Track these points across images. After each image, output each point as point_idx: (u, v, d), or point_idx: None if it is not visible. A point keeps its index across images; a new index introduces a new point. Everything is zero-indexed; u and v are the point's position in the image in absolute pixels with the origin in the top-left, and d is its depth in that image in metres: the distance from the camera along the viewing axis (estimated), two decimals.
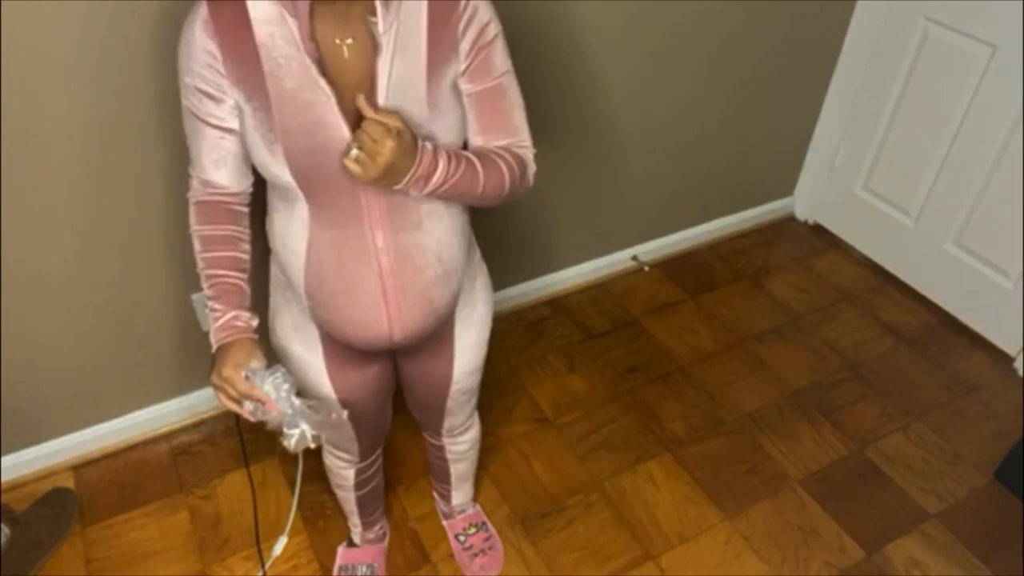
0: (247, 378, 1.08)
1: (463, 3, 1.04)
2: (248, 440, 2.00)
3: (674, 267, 2.62)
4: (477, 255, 1.34)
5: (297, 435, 1.08)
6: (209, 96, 1.03)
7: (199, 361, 1.98)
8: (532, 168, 1.21)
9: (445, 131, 1.08)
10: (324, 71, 1.00)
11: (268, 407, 1.07)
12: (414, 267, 1.14)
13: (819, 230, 2.80)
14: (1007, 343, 2.31)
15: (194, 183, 1.14)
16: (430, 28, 1.03)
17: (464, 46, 1.06)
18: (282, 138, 1.02)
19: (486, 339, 1.39)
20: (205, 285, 1.14)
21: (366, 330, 1.17)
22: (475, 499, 1.85)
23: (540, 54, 1.92)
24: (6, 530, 1.69)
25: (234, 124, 1.06)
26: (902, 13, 2.28)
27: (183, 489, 1.90)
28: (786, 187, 2.81)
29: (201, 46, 0.99)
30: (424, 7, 1.03)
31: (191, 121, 1.07)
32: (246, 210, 1.17)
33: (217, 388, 1.09)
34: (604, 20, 1.96)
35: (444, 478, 1.71)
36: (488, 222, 2.14)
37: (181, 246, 1.76)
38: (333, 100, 1.00)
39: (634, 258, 2.58)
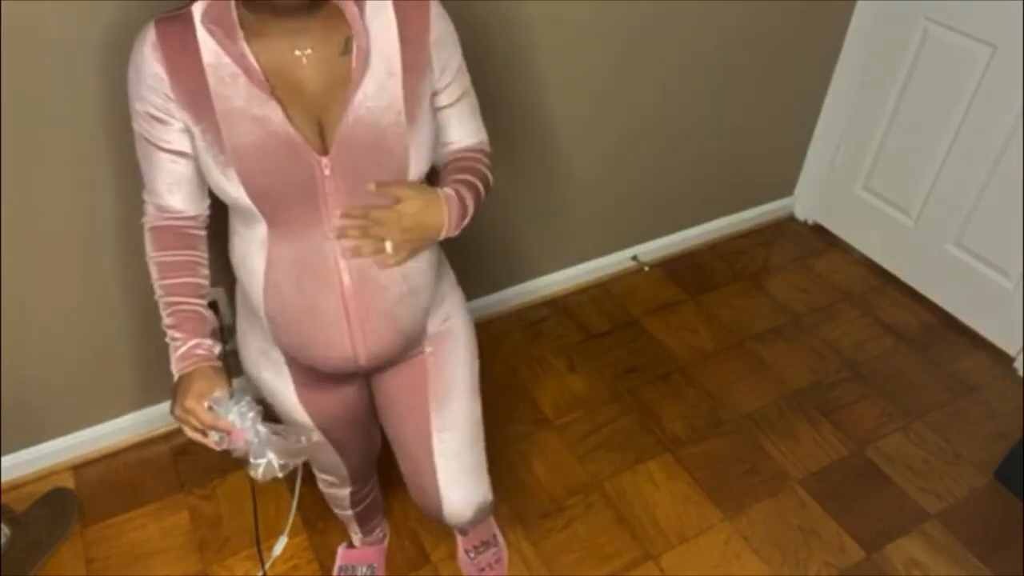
0: (211, 408, 1.05)
1: (431, 20, 1.05)
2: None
3: (674, 267, 2.62)
4: (451, 276, 1.31)
5: (264, 465, 1.05)
6: (159, 120, 1.01)
7: None
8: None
9: (421, 142, 1.07)
10: (274, 84, 0.98)
11: (234, 437, 1.05)
12: (377, 286, 1.11)
13: (819, 230, 2.80)
14: (1007, 343, 2.31)
15: (148, 208, 1.12)
16: (402, 43, 1.03)
17: (435, 60, 1.07)
18: (234, 160, 1.00)
19: (470, 375, 1.30)
20: (164, 313, 1.11)
21: (330, 352, 1.14)
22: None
23: (541, 57, 1.92)
24: (6, 530, 1.69)
25: (186, 147, 1.04)
26: (902, 13, 2.27)
27: (183, 489, 1.90)
28: (786, 187, 2.81)
29: (149, 70, 0.98)
30: (392, 22, 1.02)
31: (143, 146, 1.05)
32: (203, 234, 1.15)
33: (180, 420, 1.06)
34: (604, 22, 1.96)
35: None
36: (488, 222, 2.14)
37: None
38: (281, 112, 0.98)
39: (634, 258, 2.58)
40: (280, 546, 1.78)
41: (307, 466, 1.93)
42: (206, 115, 0.99)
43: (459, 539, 1.76)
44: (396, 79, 1.03)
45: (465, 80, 1.15)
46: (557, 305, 2.46)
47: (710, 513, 1.88)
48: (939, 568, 1.78)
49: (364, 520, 1.66)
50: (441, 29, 1.06)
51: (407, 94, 1.04)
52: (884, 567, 1.79)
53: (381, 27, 1.02)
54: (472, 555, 1.74)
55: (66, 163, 1.54)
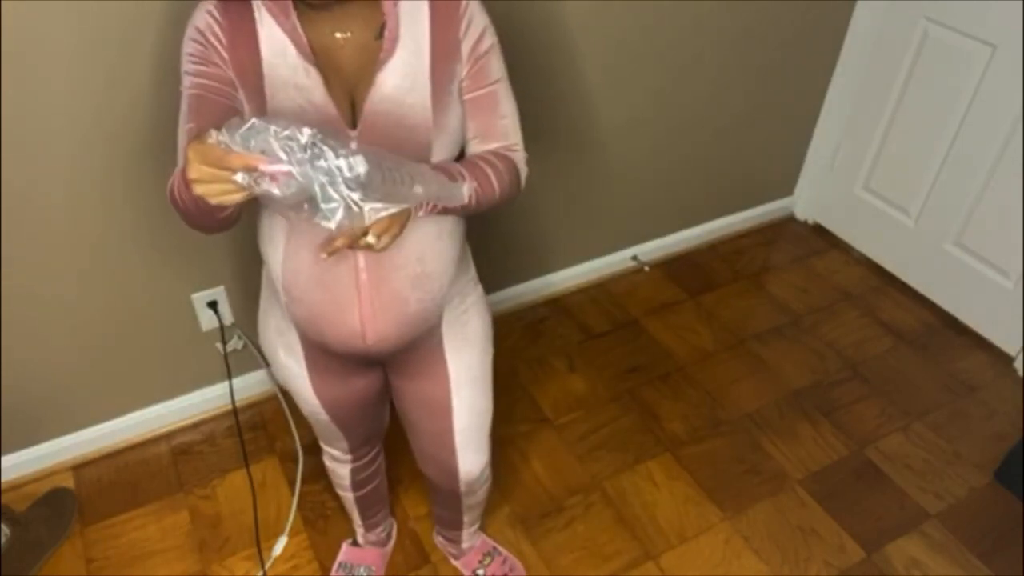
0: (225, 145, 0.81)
1: (462, 7, 1.08)
2: (248, 440, 2.00)
3: (674, 267, 2.62)
4: (472, 272, 1.32)
5: (338, 207, 0.78)
6: (215, 65, 1.05)
7: (199, 361, 1.98)
8: (524, 171, 1.22)
9: (445, 126, 1.10)
10: (317, 59, 1.04)
11: (268, 173, 0.78)
12: (391, 264, 1.12)
13: (819, 230, 2.80)
14: (1007, 343, 2.31)
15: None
16: (432, 29, 1.06)
17: (464, 49, 1.09)
18: None
19: (486, 364, 1.33)
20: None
21: (338, 327, 1.15)
22: (481, 527, 1.78)
23: (540, 57, 1.92)
24: (6, 530, 1.69)
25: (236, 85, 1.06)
26: (902, 13, 2.28)
27: (183, 489, 1.90)
28: (786, 187, 2.81)
29: (211, 32, 1.03)
30: (426, 10, 1.06)
31: (194, 103, 1.05)
32: None
33: (198, 183, 0.83)
34: (604, 22, 1.96)
35: (454, 526, 1.65)
36: (489, 222, 2.14)
37: (181, 246, 1.76)
38: (322, 84, 1.03)
39: (634, 258, 2.58)
40: (280, 546, 1.79)
41: (308, 462, 1.93)
42: (253, 81, 1.04)
43: (460, 564, 1.76)
44: (424, 63, 1.07)
45: (490, 74, 1.13)
46: (557, 305, 2.46)
47: (710, 513, 1.88)
48: (939, 568, 1.78)
49: (366, 509, 1.65)
50: (469, 14, 1.09)
51: (434, 78, 1.08)
52: (884, 567, 1.79)
53: (415, 14, 1.06)
54: (481, 572, 1.73)
55: (68, 162, 1.54)
